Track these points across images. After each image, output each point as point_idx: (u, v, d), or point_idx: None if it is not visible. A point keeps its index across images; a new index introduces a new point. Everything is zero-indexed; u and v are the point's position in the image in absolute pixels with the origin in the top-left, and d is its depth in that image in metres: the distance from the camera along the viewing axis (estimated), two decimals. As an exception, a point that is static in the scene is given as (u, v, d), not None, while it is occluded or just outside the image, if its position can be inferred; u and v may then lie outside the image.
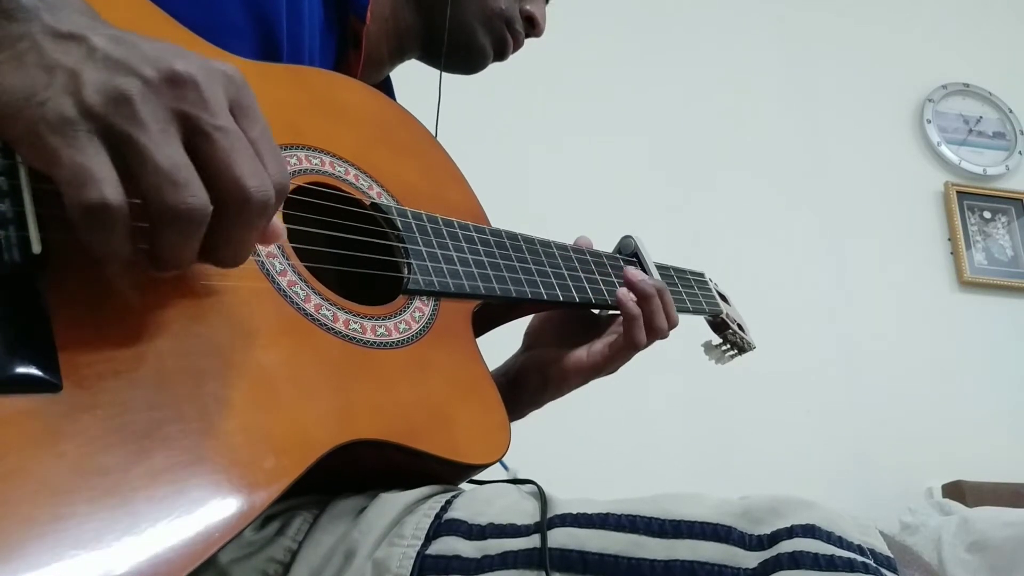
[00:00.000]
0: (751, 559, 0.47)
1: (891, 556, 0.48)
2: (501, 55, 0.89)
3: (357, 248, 0.64)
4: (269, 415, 0.48)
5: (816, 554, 0.45)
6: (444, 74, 0.90)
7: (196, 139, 0.40)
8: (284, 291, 0.54)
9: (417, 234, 0.67)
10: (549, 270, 0.77)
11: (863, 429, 2.22)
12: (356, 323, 0.58)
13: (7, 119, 0.38)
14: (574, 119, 2.32)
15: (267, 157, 0.43)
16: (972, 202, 2.62)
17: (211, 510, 0.41)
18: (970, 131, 2.72)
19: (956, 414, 2.30)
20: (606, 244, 0.90)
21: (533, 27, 0.89)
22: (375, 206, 0.66)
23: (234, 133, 0.42)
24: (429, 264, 0.66)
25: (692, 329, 0.97)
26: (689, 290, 0.93)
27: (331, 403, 0.52)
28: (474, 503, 0.55)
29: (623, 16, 2.48)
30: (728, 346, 1.01)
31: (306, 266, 0.57)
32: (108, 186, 0.38)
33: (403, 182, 0.70)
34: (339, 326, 0.56)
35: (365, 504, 0.57)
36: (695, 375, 1.82)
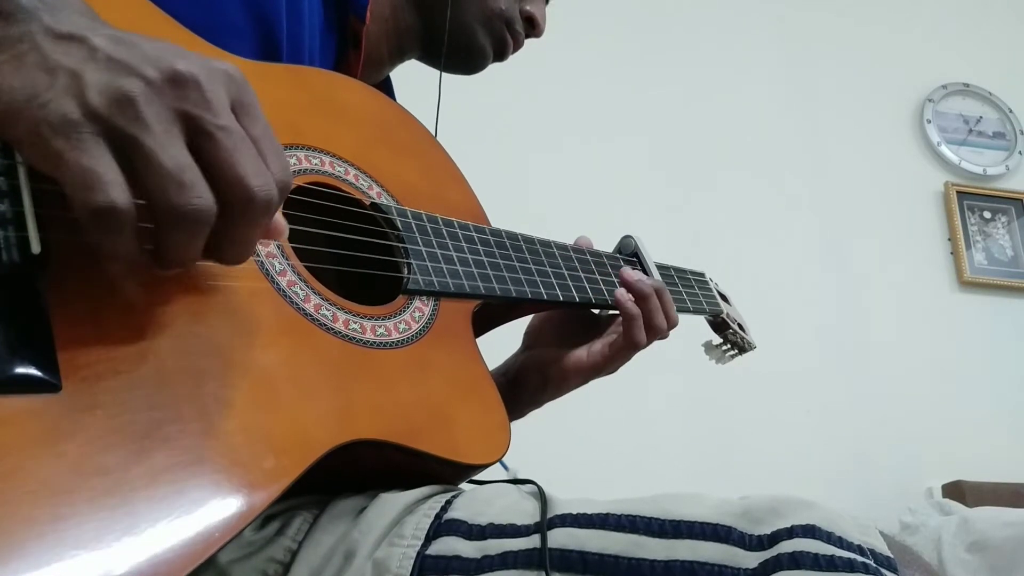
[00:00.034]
0: (751, 559, 0.47)
1: (891, 556, 0.48)
2: (501, 55, 0.89)
3: (357, 248, 0.64)
4: (269, 415, 0.48)
5: (816, 554, 0.45)
6: (444, 74, 0.90)
7: (199, 139, 0.41)
8: (284, 291, 0.54)
9: (417, 234, 0.67)
10: (549, 270, 0.77)
11: (863, 429, 2.22)
12: (356, 323, 0.58)
13: (8, 120, 0.38)
14: (574, 119, 2.32)
15: (269, 155, 0.43)
16: (972, 202, 2.62)
17: (211, 510, 0.41)
18: (970, 131, 2.72)
19: (956, 414, 2.30)
20: (606, 244, 0.90)
21: (533, 27, 0.89)
22: (375, 206, 0.66)
23: (237, 133, 0.42)
24: (429, 264, 0.66)
25: (692, 329, 0.97)
26: (689, 290, 0.93)
27: (331, 403, 0.52)
28: (474, 503, 0.55)
29: (623, 16, 2.48)
30: (728, 346, 1.01)
31: (306, 266, 0.57)
32: (116, 188, 0.38)
33: (403, 182, 0.70)
34: (339, 326, 0.56)
35: (365, 504, 0.57)
36: (695, 375, 1.82)
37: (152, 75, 0.39)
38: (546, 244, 0.80)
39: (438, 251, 0.68)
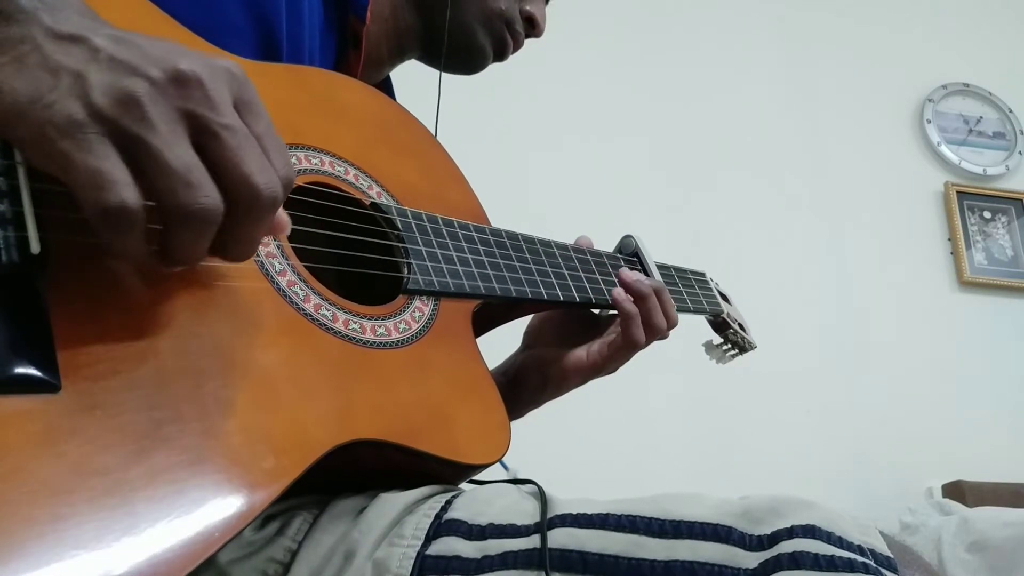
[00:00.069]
0: (751, 559, 0.47)
1: (891, 556, 0.48)
2: (501, 55, 0.89)
3: (357, 248, 0.64)
4: (269, 415, 0.48)
5: (816, 554, 0.45)
6: (444, 74, 0.90)
7: (204, 138, 0.41)
8: (283, 291, 0.54)
9: (417, 234, 0.67)
10: (549, 270, 0.77)
11: (863, 429, 2.22)
12: (356, 323, 0.58)
13: (11, 122, 0.38)
14: (574, 119, 2.32)
15: (272, 152, 0.43)
16: (972, 202, 2.62)
17: (210, 510, 0.41)
18: (970, 131, 2.72)
19: (956, 414, 2.30)
20: (606, 244, 0.90)
21: (533, 27, 0.89)
22: (375, 206, 0.66)
23: (241, 131, 0.42)
24: (429, 264, 0.66)
25: (693, 329, 0.97)
26: (690, 289, 0.93)
27: (331, 403, 0.52)
28: (474, 503, 0.55)
29: (623, 16, 2.48)
30: (729, 346, 1.01)
31: (306, 266, 0.57)
32: (126, 188, 0.38)
33: (403, 182, 0.70)
34: (339, 326, 0.56)
35: (365, 504, 0.57)
36: (695, 375, 1.82)
37: (155, 75, 0.39)
38: (546, 244, 0.80)
39: (438, 251, 0.68)
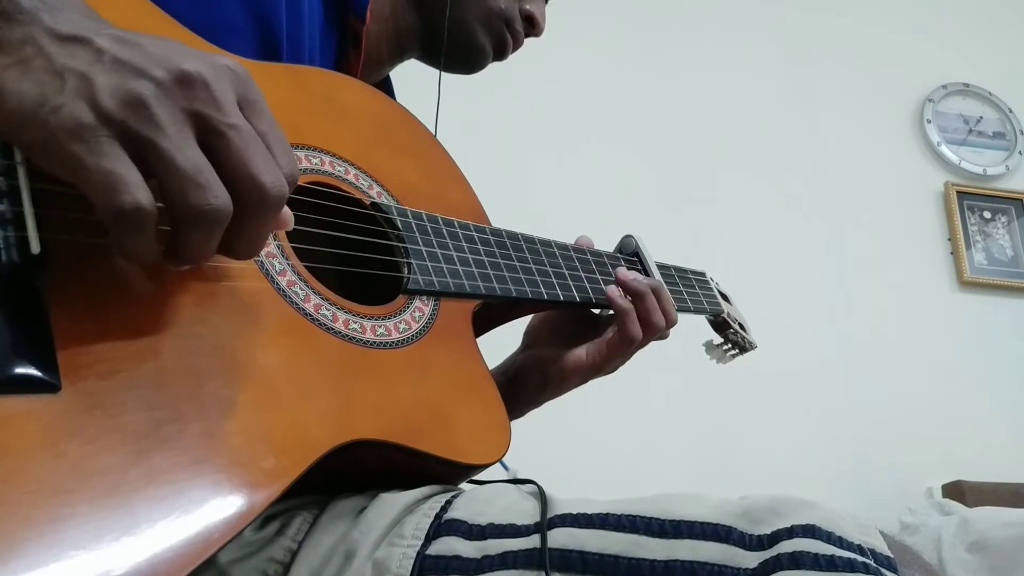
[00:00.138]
0: (751, 559, 0.47)
1: (891, 556, 0.48)
2: (501, 55, 0.89)
3: (357, 248, 0.64)
4: (269, 415, 0.48)
5: (816, 554, 0.45)
6: (444, 74, 0.89)
7: (210, 138, 0.41)
8: (283, 291, 0.54)
9: (417, 234, 0.67)
10: (549, 269, 0.77)
11: (863, 429, 2.22)
12: (356, 323, 0.58)
13: (18, 125, 0.38)
14: (574, 119, 2.32)
15: (277, 150, 0.44)
16: (972, 202, 2.62)
17: (210, 510, 0.41)
18: (970, 131, 2.72)
19: (956, 414, 2.30)
20: (606, 244, 0.90)
21: (533, 27, 0.89)
22: (375, 206, 0.66)
23: (246, 130, 0.42)
24: (429, 264, 0.66)
25: (693, 328, 0.97)
26: (690, 289, 0.93)
27: (331, 403, 0.52)
28: (474, 503, 0.55)
29: (623, 16, 2.48)
30: (729, 345, 1.01)
31: (306, 266, 0.57)
32: (139, 189, 0.38)
33: (403, 182, 0.70)
34: (339, 326, 0.56)
35: (365, 504, 0.57)
36: (696, 375, 1.82)
37: (161, 76, 0.40)
38: (546, 244, 0.80)
39: (438, 251, 0.68)
